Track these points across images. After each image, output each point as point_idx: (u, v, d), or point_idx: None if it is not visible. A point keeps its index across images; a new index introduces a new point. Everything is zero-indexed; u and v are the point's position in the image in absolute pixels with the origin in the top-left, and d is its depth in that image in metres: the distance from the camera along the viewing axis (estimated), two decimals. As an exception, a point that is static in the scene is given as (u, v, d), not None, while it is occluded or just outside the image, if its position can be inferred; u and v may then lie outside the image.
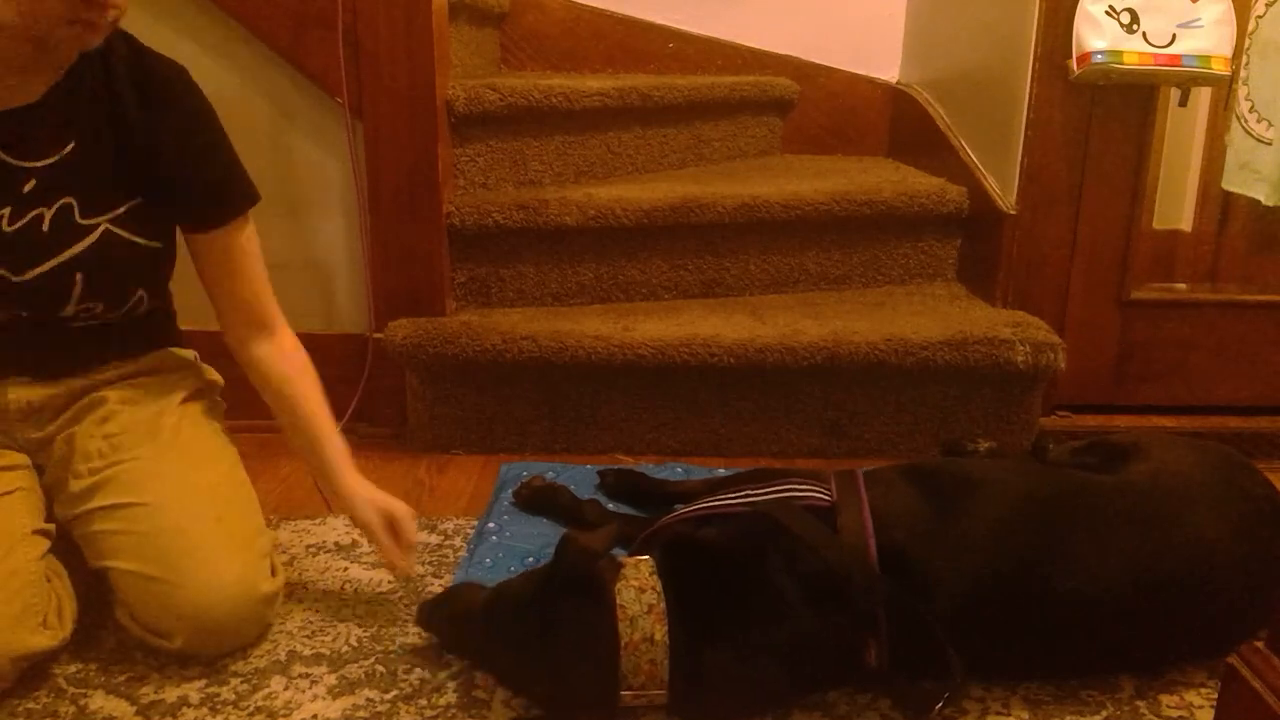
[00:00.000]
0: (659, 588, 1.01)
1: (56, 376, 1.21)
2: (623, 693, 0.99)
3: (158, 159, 1.14)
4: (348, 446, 1.27)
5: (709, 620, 1.00)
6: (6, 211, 1.08)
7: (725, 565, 1.04)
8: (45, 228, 1.10)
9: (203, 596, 1.10)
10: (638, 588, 1.01)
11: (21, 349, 1.18)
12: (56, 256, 1.11)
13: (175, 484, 1.16)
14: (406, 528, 1.23)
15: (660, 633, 0.99)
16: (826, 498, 1.08)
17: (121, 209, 1.14)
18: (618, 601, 1.00)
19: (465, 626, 1.11)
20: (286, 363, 1.26)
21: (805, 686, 1.07)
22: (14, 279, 1.10)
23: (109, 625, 1.20)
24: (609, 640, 0.98)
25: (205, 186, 1.19)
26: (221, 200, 1.20)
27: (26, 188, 1.09)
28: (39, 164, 1.09)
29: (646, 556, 1.07)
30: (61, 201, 1.10)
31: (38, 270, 1.10)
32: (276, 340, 1.27)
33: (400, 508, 1.23)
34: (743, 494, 1.11)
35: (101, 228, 1.13)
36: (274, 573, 1.20)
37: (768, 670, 1.00)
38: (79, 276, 1.12)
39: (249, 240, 1.23)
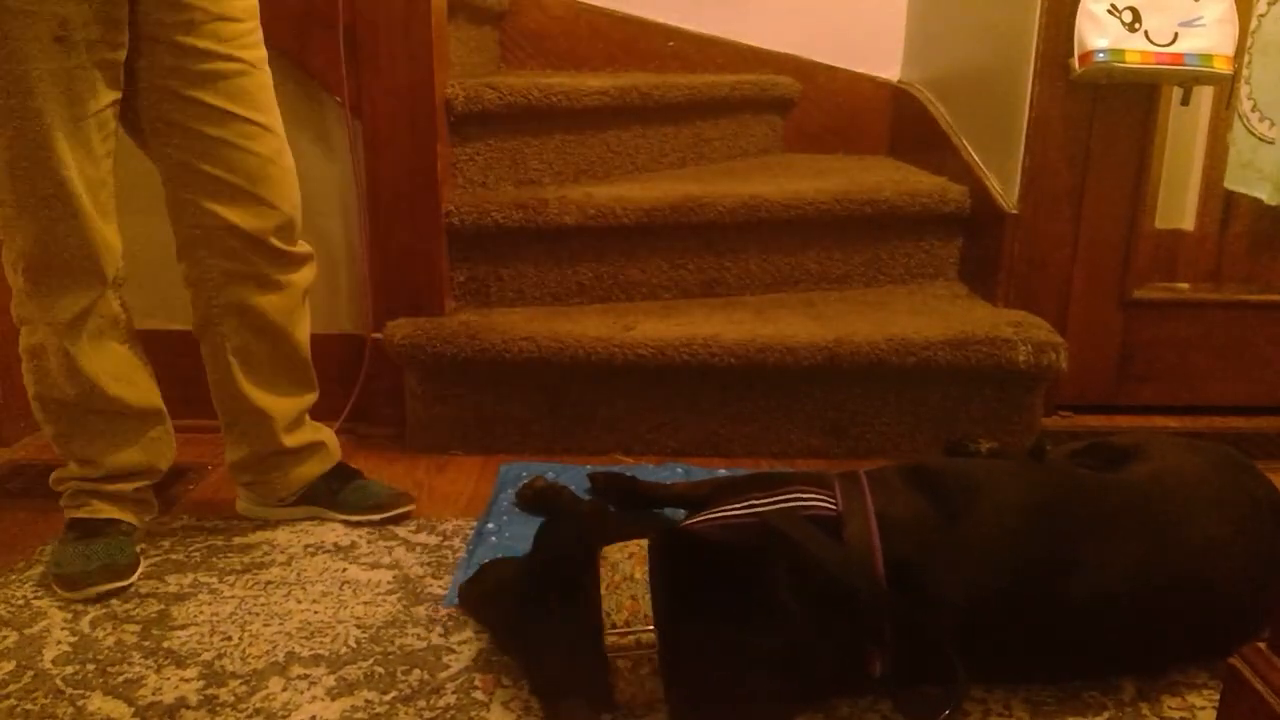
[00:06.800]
0: (643, 545, 1.04)
1: None
2: (607, 633, 0.99)
3: None
4: None
5: (705, 625, 0.99)
6: None
7: (723, 572, 1.03)
8: None
9: None
10: (623, 551, 1.04)
11: None
12: None
13: None
14: None
15: (640, 572, 1.00)
16: (832, 507, 1.07)
17: None
18: (604, 560, 1.03)
19: (485, 605, 1.17)
20: None
21: (805, 696, 1.06)
22: None
23: (107, 625, 1.20)
24: (593, 636, 0.99)
25: None
26: None
27: None
28: None
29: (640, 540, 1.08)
30: None
31: None
32: None
33: None
34: (747, 503, 1.09)
35: None
36: None
37: (762, 677, 1.00)
38: None
39: None
